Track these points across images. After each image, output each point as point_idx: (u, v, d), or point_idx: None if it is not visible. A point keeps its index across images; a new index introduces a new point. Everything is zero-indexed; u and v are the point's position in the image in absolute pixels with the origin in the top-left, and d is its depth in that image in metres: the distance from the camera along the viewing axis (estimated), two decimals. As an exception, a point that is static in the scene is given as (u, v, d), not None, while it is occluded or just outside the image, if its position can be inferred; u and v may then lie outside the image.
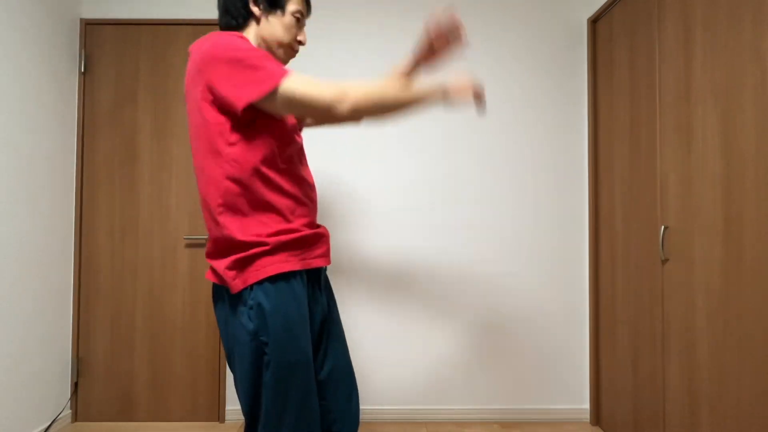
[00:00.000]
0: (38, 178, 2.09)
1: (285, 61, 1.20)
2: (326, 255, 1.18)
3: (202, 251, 2.33)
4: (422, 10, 2.38)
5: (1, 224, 1.89)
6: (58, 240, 2.22)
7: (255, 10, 1.14)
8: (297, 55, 1.25)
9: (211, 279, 1.11)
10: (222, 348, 2.31)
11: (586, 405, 2.34)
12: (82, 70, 2.35)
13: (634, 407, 1.93)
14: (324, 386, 1.17)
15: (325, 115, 1.02)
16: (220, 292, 1.11)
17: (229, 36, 1.05)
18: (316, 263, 1.14)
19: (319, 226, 1.19)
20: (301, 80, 1.01)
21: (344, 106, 1.01)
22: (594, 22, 2.30)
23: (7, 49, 1.92)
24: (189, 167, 2.34)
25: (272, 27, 1.15)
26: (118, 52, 2.36)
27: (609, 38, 2.16)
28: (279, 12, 1.15)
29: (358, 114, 1.04)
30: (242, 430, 2.22)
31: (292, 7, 1.16)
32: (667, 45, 1.71)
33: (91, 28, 2.36)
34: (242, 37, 1.07)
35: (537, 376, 2.34)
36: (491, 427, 2.26)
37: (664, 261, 1.71)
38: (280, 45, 1.17)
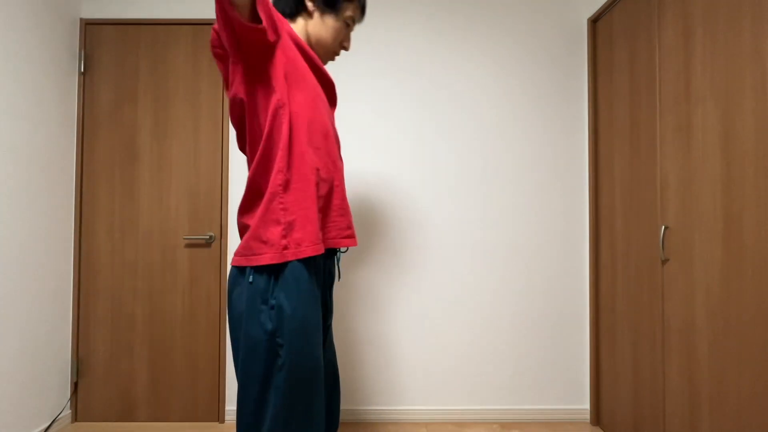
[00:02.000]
0: (38, 178, 2.09)
1: (324, 62, 1.21)
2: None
3: (202, 251, 2.33)
4: (420, 13, 2.38)
5: (1, 224, 1.89)
6: (58, 240, 2.22)
7: (309, 4, 1.15)
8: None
9: None
10: (221, 348, 2.31)
11: (586, 405, 2.34)
12: (82, 70, 2.34)
13: (634, 407, 1.93)
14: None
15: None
16: None
17: None
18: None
19: None
20: None
21: None
22: (594, 22, 2.30)
23: (7, 49, 1.92)
24: (189, 167, 2.34)
25: (322, 27, 1.15)
26: (118, 52, 2.36)
27: (609, 38, 2.16)
28: (332, 13, 1.16)
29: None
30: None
31: (347, 12, 1.17)
32: (667, 45, 1.71)
33: (91, 28, 2.36)
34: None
35: (537, 376, 2.34)
36: (491, 427, 2.26)
37: (664, 261, 1.71)
38: (323, 46, 1.18)
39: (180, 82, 2.35)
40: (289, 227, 1.03)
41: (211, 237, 2.32)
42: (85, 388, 2.31)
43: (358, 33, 2.37)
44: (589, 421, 2.31)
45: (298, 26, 1.17)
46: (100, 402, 2.31)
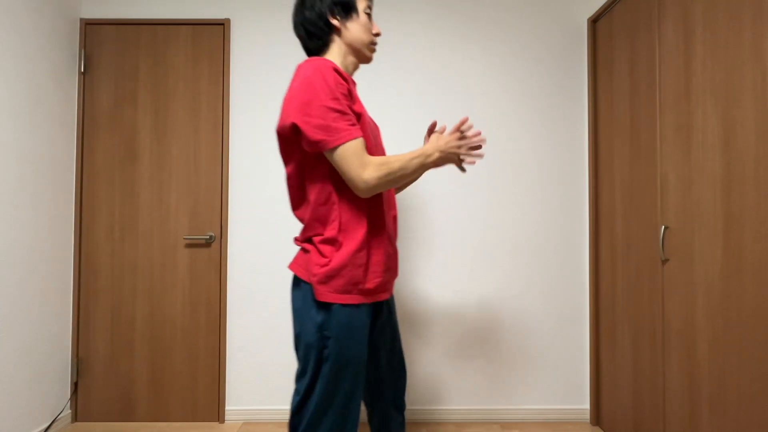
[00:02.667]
0: (38, 178, 2.09)
1: (370, 57, 1.30)
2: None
3: (202, 251, 2.34)
4: (421, 13, 2.38)
5: (1, 224, 1.89)
6: (58, 240, 2.22)
7: (335, 22, 1.23)
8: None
9: None
10: (221, 348, 2.31)
11: (586, 405, 2.34)
12: (82, 70, 2.35)
13: (634, 407, 1.93)
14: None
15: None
16: None
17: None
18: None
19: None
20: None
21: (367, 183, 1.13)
22: (594, 21, 2.30)
23: (6, 49, 1.92)
24: (189, 167, 2.35)
25: (353, 32, 1.25)
26: (118, 52, 2.36)
27: (609, 38, 2.16)
28: (354, 15, 1.24)
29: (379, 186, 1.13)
30: (242, 429, 2.22)
31: (361, 5, 1.25)
32: (667, 45, 1.71)
33: (91, 28, 2.36)
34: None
35: (537, 376, 2.34)
36: (491, 427, 2.26)
37: (664, 261, 1.71)
38: (362, 44, 1.26)
39: (180, 82, 2.35)
40: None
41: (211, 237, 2.32)
42: (85, 388, 2.31)
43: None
44: (589, 421, 2.31)
45: (334, 50, 1.25)
46: (100, 402, 2.31)
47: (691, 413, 1.57)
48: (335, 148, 1.09)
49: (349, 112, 1.12)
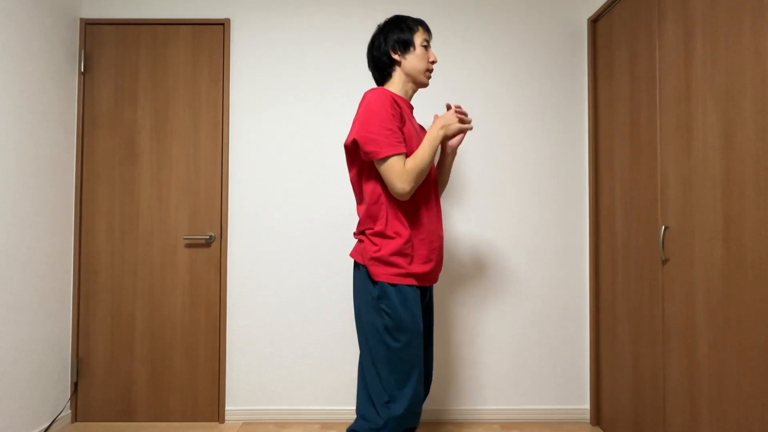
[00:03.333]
0: (38, 178, 2.09)
1: (427, 83, 1.55)
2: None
3: (202, 251, 2.33)
4: (421, 13, 2.38)
5: (1, 224, 1.89)
6: (58, 240, 2.22)
7: (396, 57, 1.51)
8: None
9: None
10: (221, 348, 2.31)
11: (586, 405, 2.34)
12: (82, 70, 2.35)
13: (634, 407, 1.93)
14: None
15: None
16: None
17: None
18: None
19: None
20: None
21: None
22: (594, 21, 2.30)
23: (6, 49, 1.92)
24: (189, 167, 2.35)
25: (411, 63, 1.51)
26: (118, 52, 2.36)
27: (609, 38, 2.16)
28: (412, 49, 1.50)
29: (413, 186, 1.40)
30: (242, 429, 2.22)
31: (418, 40, 1.51)
32: (667, 45, 1.71)
33: (90, 28, 2.36)
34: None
35: (537, 376, 2.34)
36: (491, 427, 2.26)
37: (664, 261, 1.71)
38: (420, 72, 1.51)
39: (180, 82, 2.35)
40: None
41: (211, 237, 2.32)
42: (85, 388, 2.31)
43: (356, 34, 2.37)
44: (589, 421, 2.31)
45: (396, 77, 1.53)
46: (100, 402, 2.31)
47: (691, 413, 1.57)
48: (383, 159, 1.37)
49: (398, 132, 1.39)
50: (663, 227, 1.70)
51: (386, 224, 1.41)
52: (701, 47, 1.53)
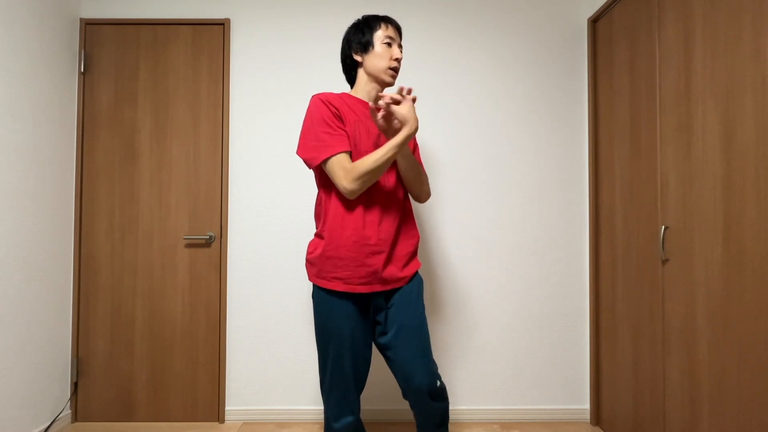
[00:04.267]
0: (38, 178, 2.09)
1: (389, 81, 1.51)
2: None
3: (202, 251, 2.33)
4: (421, 13, 2.38)
5: (1, 224, 1.89)
6: (58, 240, 2.22)
7: (357, 58, 1.52)
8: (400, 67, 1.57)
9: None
10: (221, 348, 2.31)
11: (586, 405, 2.34)
12: (82, 70, 2.35)
13: (634, 407, 1.93)
14: (390, 346, 1.45)
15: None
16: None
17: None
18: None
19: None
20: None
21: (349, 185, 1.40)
22: (594, 21, 2.30)
23: (6, 49, 1.92)
24: (189, 167, 2.35)
25: (371, 62, 1.49)
26: (118, 52, 2.36)
27: (609, 38, 2.16)
28: (371, 48, 1.49)
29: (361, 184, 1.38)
30: (242, 429, 2.22)
31: (378, 38, 1.49)
32: (667, 45, 1.71)
33: (91, 28, 2.36)
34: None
35: (537, 376, 2.34)
36: (491, 427, 2.26)
37: (664, 261, 1.71)
38: (381, 71, 1.49)
39: (180, 82, 2.36)
40: None
41: (211, 237, 2.32)
42: (85, 388, 2.31)
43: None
44: (589, 421, 2.31)
45: (360, 80, 1.53)
46: (100, 402, 2.31)
47: (691, 413, 1.57)
48: (324, 163, 1.39)
49: (336, 131, 1.40)
50: (663, 227, 1.70)
51: (323, 226, 1.46)
52: (701, 47, 1.53)
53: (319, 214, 1.49)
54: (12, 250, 1.94)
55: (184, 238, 2.32)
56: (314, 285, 1.47)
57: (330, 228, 1.43)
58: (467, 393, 2.33)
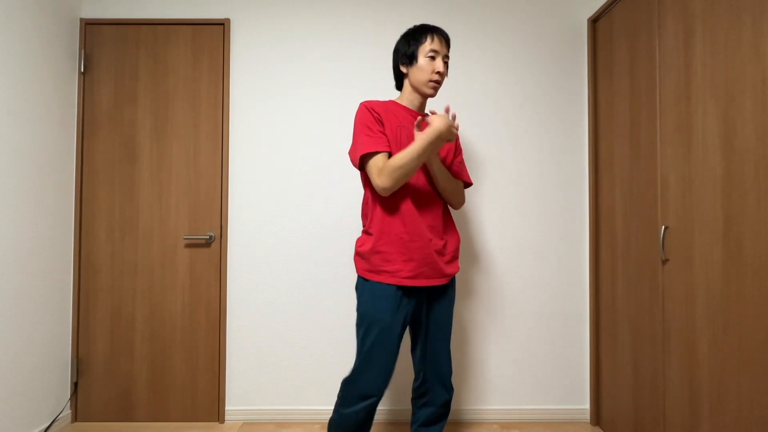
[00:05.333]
0: (38, 178, 2.09)
1: (433, 95, 1.59)
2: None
3: (202, 251, 2.33)
4: (421, 13, 2.38)
5: (1, 224, 1.89)
6: (58, 240, 2.22)
7: (403, 69, 1.61)
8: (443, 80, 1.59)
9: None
10: (221, 348, 2.31)
11: (586, 405, 2.34)
12: (82, 70, 2.35)
13: (634, 407, 1.93)
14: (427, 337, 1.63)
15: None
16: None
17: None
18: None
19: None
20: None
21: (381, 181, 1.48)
22: (594, 21, 2.30)
23: (6, 49, 1.92)
24: (189, 167, 2.35)
25: (414, 75, 1.57)
26: (118, 52, 2.36)
27: (609, 38, 2.16)
28: (415, 62, 1.56)
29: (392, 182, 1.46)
30: (242, 429, 2.22)
31: (423, 51, 1.55)
32: (667, 45, 1.71)
33: (90, 28, 2.36)
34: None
35: (537, 376, 2.34)
36: (491, 427, 2.26)
37: (664, 261, 1.71)
38: (422, 83, 1.56)
39: (180, 82, 2.35)
40: None
41: (211, 237, 2.32)
42: (85, 388, 2.31)
43: (356, 34, 2.37)
44: (589, 421, 2.31)
45: (405, 89, 1.62)
46: (100, 402, 2.31)
47: (691, 413, 1.57)
48: (363, 160, 1.49)
49: (376, 133, 1.48)
50: (663, 227, 1.70)
51: (370, 223, 1.55)
52: (701, 47, 1.53)
53: (366, 213, 1.58)
54: (12, 250, 1.94)
55: (184, 238, 2.32)
56: (360, 277, 1.56)
57: (377, 224, 1.52)
58: (467, 393, 2.33)
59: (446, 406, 1.67)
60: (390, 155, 1.49)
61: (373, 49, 2.36)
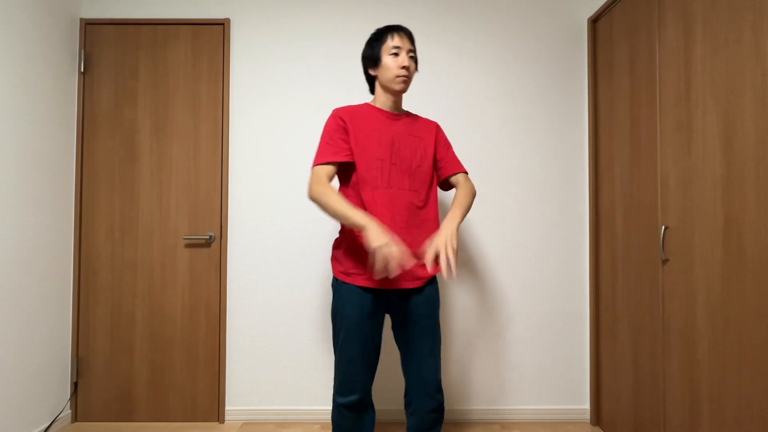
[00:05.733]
0: (38, 178, 2.09)
1: (403, 89, 1.58)
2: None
3: (202, 251, 2.33)
4: (420, 13, 2.38)
5: (1, 224, 1.89)
6: (58, 240, 2.22)
7: (372, 72, 1.62)
8: (411, 76, 1.58)
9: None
10: (221, 348, 2.31)
11: (586, 405, 2.34)
12: (82, 70, 2.35)
13: (634, 407, 1.93)
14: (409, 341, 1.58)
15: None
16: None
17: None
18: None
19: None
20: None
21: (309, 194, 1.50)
22: (594, 21, 2.30)
23: (6, 49, 1.92)
24: (189, 167, 2.35)
25: (382, 75, 1.58)
26: (118, 52, 2.36)
27: (609, 38, 2.16)
28: (380, 63, 1.57)
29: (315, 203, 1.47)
30: (242, 429, 2.22)
31: (386, 50, 1.55)
32: (667, 45, 1.71)
33: (90, 28, 2.36)
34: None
35: (537, 376, 2.34)
36: (491, 427, 2.26)
37: (664, 261, 1.71)
38: (390, 81, 1.56)
39: (180, 82, 2.35)
40: None
41: (211, 237, 2.32)
42: (85, 388, 2.31)
43: (356, 34, 2.37)
44: (589, 421, 2.31)
45: (377, 92, 1.62)
46: (100, 402, 2.31)
47: (691, 413, 1.57)
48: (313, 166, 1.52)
49: (336, 142, 1.51)
50: (663, 227, 1.70)
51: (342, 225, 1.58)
52: (701, 47, 1.53)
53: None
54: (12, 250, 1.94)
55: (184, 238, 2.32)
56: (334, 277, 1.57)
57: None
58: (467, 393, 2.33)
59: (437, 411, 1.58)
60: (337, 165, 1.51)
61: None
